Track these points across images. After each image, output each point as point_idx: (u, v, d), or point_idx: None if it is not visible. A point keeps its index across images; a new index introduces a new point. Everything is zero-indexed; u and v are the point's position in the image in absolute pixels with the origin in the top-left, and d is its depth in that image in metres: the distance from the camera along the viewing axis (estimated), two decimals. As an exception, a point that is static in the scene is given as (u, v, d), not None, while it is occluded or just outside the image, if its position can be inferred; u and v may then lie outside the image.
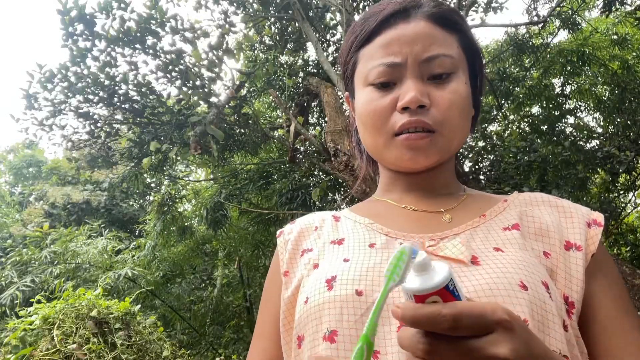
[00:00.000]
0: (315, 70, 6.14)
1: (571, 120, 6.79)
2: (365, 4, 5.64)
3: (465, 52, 0.69)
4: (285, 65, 5.56)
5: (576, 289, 0.59)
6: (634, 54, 6.62)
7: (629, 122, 5.83)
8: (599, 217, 0.65)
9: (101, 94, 4.67)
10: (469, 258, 0.58)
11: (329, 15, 6.04)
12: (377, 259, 0.62)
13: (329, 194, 5.41)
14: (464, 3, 4.88)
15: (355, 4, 5.54)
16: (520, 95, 6.59)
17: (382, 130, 0.67)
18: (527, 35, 6.79)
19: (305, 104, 6.46)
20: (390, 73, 0.65)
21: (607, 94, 6.73)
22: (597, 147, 5.79)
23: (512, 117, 7.16)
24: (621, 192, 6.64)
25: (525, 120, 6.97)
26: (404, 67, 0.65)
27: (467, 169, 4.61)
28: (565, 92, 6.82)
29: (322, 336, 0.57)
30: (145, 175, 6.44)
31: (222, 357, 6.11)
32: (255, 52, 6.43)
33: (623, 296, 0.62)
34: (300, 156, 6.34)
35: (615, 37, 6.62)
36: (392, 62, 0.65)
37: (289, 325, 0.66)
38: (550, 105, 6.71)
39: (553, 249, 0.62)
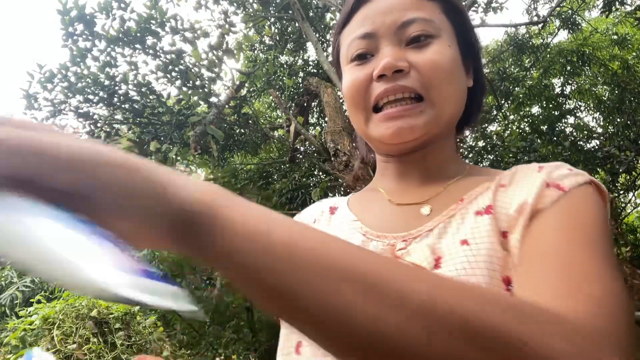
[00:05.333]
0: (315, 70, 6.14)
1: (571, 120, 6.79)
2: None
3: (450, 20, 0.64)
4: (285, 65, 5.57)
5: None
6: (634, 54, 6.62)
7: (629, 122, 5.83)
8: (570, 183, 0.52)
9: (101, 94, 4.67)
10: (431, 263, 0.53)
11: (329, 15, 6.04)
12: None
13: (329, 194, 5.41)
14: (464, 3, 4.89)
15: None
16: (520, 95, 6.59)
17: (360, 105, 0.63)
18: (527, 35, 6.79)
19: (305, 104, 6.46)
20: (365, 45, 0.62)
21: (607, 94, 6.73)
22: (597, 147, 5.79)
23: (512, 117, 7.16)
24: (621, 192, 6.64)
25: (525, 120, 6.97)
26: (378, 37, 0.61)
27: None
28: (565, 92, 6.82)
29: (293, 346, 0.57)
30: (145, 175, 6.43)
31: (222, 357, 6.11)
32: (255, 52, 6.43)
33: (564, 227, 0.47)
34: (300, 156, 6.34)
35: (615, 37, 6.62)
36: (364, 33, 0.62)
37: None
38: (550, 105, 6.72)
39: (512, 225, 0.52)
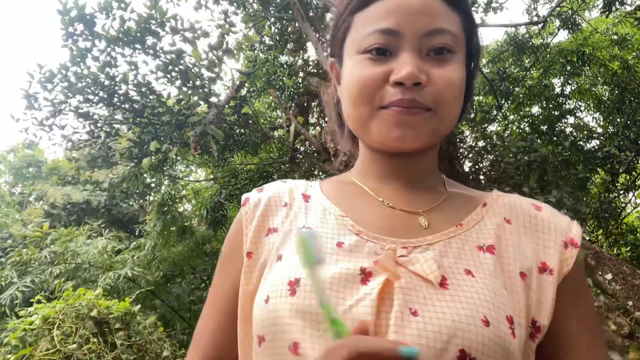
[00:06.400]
0: (315, 70, 6.14)
1: (571, 120, 6.79)
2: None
3: (465, 34, 0.64)
4: (285, 65, 5.56)
5: (546, 314, 0.57)
6: (634, 54, 6.62)
7: (628, 122, 5.83)
8: (577, 234, 0.62)
9: (101, 94, 4.67)
10: (438, 279, 0.55)
11: (329, 15, 6.03)
12: (343, 264, 0.57)
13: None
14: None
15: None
16: (520, 95, 6.59)
17: (368, 102, 0.60)
18: (527, 35, 6.79)
19: (305, 104, 6.46)
20: (386, 41, 0.59)
21: (607, 94, 6.73)
22: (597, 147, 5.79)
23: (512, 117, 7.15)
24: (621, 192, 6.63)
25: (525, 120, 6.97)
26: (402, 38, 0.59)
27: (467, 169, 4.60)
28: (565, 92, 6.82)
29: (287, 346, 0.54)
30: (145, 175, 6.44)
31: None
32: (255, 52, 6.42)
33: (588, 315, 0.60)
34: (300, 156, 6.34)
35: (615, 37, 6.61)
36: (389, 29, 0.59)
37: (247, 319, 0.62)
38: (550, 105, 6.71)
39: (529, 271, 0.59)
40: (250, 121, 5.75)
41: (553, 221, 0.64)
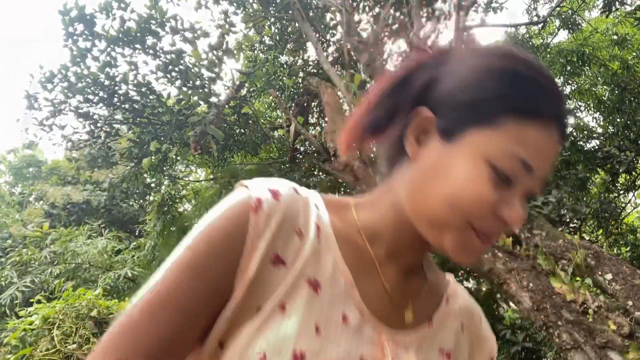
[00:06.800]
0: (315, 70, 6.14)
1: (571, 120, 6.79)
2: (366, 4, 5.65)
3: None
4: (285, 65, 5.57)
5: None
6: (634, 54, 6.62)
7: (628, 122, 5.83)
8: (496, 352, 0.79)
9: (101, 94, 4.67)
10: None
11: (329, 16, 6.04)
12: (347, 345, 0.57)
13: (329, 194, 5.41)
14: (463, 3, 4.88)
15: (355, 4, 5.54)
16: (520, 95, 6.59)
17: (464, 215, 0.58)
18: (527, 35, 6.80)
19: (305, 104, 6.46)
20: (520, 175, 0.57)
21: (607, 94, 6.74)
22: (597, 147, 5.79)
23: (512, 117, 7.16)
24: (621, 192, 6.64)
25: (525, 120, 6.97)
26: (530, 179, 0.57)
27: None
28: (565, 92, 6.82)
29: (290, 354, 0.52)
30: (145, 175, 6.44)
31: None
32: (255, 52, 6.43)
33: None
34: (300, 156, 6.34)
35: (615, 37, 6.62)
36: (531, 168, 0.57)
37: (215, 344, 0.56)
38: (550, 105, 6.71)
39: None
40: (250, 121, 5.76)
41: (488, 335, 0.77)
